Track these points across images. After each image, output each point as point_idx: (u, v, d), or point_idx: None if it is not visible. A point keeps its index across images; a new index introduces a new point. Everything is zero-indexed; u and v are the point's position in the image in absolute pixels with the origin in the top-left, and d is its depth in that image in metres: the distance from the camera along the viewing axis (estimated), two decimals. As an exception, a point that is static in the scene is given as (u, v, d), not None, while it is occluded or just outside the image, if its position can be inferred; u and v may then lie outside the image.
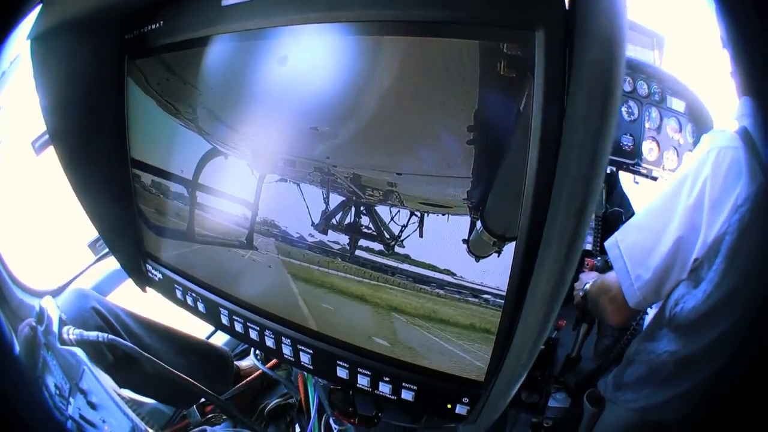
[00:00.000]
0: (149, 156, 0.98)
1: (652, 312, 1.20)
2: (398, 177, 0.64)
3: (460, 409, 0.74)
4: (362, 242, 0.71)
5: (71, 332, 1.09)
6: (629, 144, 1.46)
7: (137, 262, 1.08)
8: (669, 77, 1.54)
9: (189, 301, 0.97)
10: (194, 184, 0.88)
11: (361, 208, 0.68)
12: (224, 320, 0.91)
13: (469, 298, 0.64)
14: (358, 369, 0.78)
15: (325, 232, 0.73)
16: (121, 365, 1.16)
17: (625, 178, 1.47)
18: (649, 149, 1.49)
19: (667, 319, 0.97)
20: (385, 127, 0.64)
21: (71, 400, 1.06)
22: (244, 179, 0.79)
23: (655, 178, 1.48)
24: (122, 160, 1.04)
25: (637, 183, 1.45)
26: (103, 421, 1.02)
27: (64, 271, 1.40)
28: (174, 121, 0.89)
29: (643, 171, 1.47)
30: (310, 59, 0.68)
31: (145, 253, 1.06)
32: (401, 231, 0.67)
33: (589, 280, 1.24)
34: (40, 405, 0.95)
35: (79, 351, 1.07)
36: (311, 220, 0.73)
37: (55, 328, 1.11)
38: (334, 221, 0.71)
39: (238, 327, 0.89)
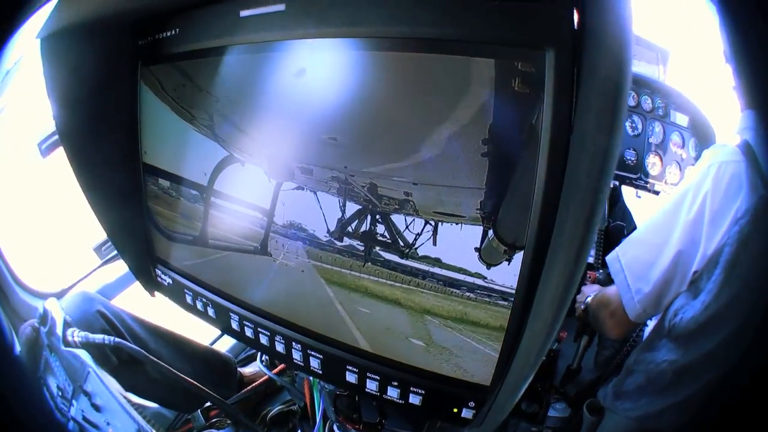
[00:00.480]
0: (162, 161, 0.99)
1: (651, 323, 1.21)
2: (414, 187, 0.66)
3: (466, 413, 0.75)
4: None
5: (76, 334, 1.09)
6: (632, 158, 1.48)
7: (146, 267, 1.08)
8: (673, 92, 1.56)
9: (199, 306, 0.97)
10: (209, 190, 0.90)
11: (377, 217, 0.70)
12: (234, 325, 0.92)
13: (499, 301, 0.65)
14: (367, 374, 0.79)
15: (340, 239, 0.74)
16: (126, 369, 1.16)
17: (627, 193, 1.49)
18: (652, 164, 1.50)
19: (667, 330, 0.99)
20: (402, 139, 0.66)
21: (74, 401, 1.05)
22: (260, 187, 0.81)
23: (657, 193, 1.50)
24: (134, 165, 1.05)
25: (640, 197, 1.47)
26: (108, 423, 1.01)
27: (67, 275, 1.40)
28: (189, 127, 0.90)
29: (646, 185, 1.48)
30: (330, 72, 0.70)
31: (156, 258, 1.06)
32: (415, 239, 0.68)
33: (590, 293, 1.26)
34: (41, 406, 0.95)
35: (83, 353, 1.07)
36: (327, 227, 0.75)
37: (59, 329, 1.11)
38: (349, 229, 0.73)
39: (249, 332, 0.90)
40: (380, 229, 0.70)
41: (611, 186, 1.47)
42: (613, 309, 1.11)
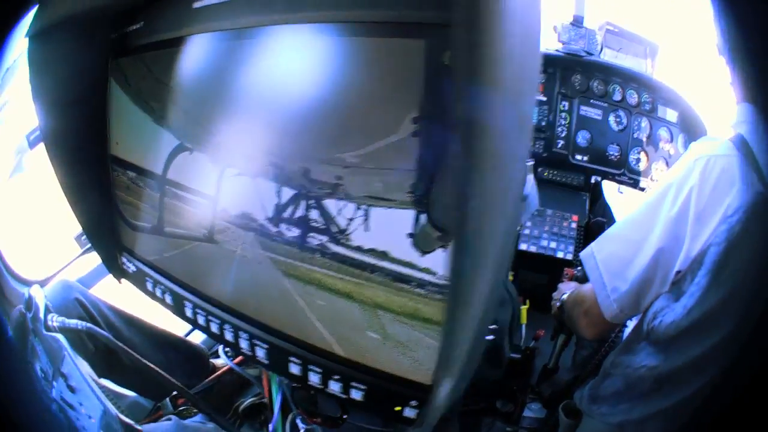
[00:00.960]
0: (126, 153, 1.02)
1: (631, 324, 1.17)
2: (345, 171, 0.65)
3: (409, 413, 0.73)
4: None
5: (55, 319, 1.13)
6: (616, 154, 1.45)
7: (114, 255, 1.11)
8: (661, 86, 1.52)
9: (158, 293, 0.99)
10: (163, 179, 0.91)
11: (311, 202, 0.70)
12: (188, 312, 0.93)
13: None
14: (309, 366, 0.79)
15: (277, 226, 0.74)
16: (101, 355, 1.19)
17: (609, 189, 1.46)
18: (637, 159, 1.47)
19: (645, 333, 0.93)
20: (334, 121, 0.66)
21: (54, 383, 1.09)
22: (206, 174, 0.82)
23: (643, 189, 1.46)
24: (105, 157, 1.08)
25: (622, 192, 1.43)
26: (80, 404, 1.05)
27: (53, 262, 1.45)
28: (148, 118, 0.92)
29: (630, 181, 1.45)
30: (266, 59, 0.70)
31: (122, 247, 1.09)
32: (348, 224, 0.67)
33: (567, 290, 1.23)
34: (30, 389, 0.98)
35: (61, 337, 1.11)
36: (266, 213, 0.75)
37: (41, 315, 1.15)
38: (286, 215, 0.73)
39: (201, 320, 0.91)
40: (314, 214, 0.70)
41: (592, 181, 1.45)
42: (587, 307, 1.08)
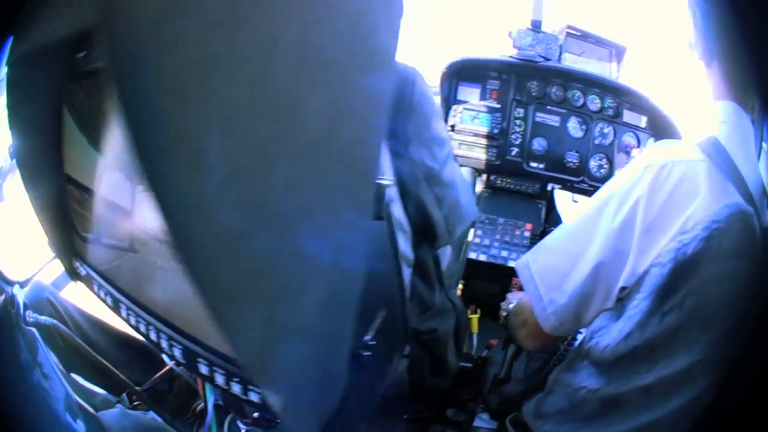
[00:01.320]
0: (73, 170, 1.10)
1: (581, 336, 1.14)
2: None
3: None
4: None
5: (30, 315, 1.25)
6: (575, 161, 1.41)
7: (70, 259, 1.21)
8: (627, 90, 1.47)
9: (101, 294, 1.08)
10: (96, 194, 0.99)
11: None
12: (123, 313, 1.01)
13: None
14: (214, 368, 0.83)
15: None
16: (69, 352, 1.30)
17: (563, 197, 1.42)
18: (599, 166, 1.42)
19: (585, 352, 0.91)
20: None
21: (33, 371, 1.21)
22: (125, 190, 0.89)
23: (605, 197, 1.42)
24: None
25: (576, 201, 1.39)
26: (52, 388, 1.17)
27: (31, 266, 1.57)
28: (84, 140, 1.00)
29: (591, 189, 1.41)
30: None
31: (76, 253, 1.19)
32: None
33: (514, 300, 1.22)
34: (19, 376, 1.09)
35: (35, 330, 1.23)
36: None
37: (21, 311, 1.28)
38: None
39: (132, 321, 0.98)
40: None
41: (548, 189, 1.42)
42: (524, 318, 1.07)
